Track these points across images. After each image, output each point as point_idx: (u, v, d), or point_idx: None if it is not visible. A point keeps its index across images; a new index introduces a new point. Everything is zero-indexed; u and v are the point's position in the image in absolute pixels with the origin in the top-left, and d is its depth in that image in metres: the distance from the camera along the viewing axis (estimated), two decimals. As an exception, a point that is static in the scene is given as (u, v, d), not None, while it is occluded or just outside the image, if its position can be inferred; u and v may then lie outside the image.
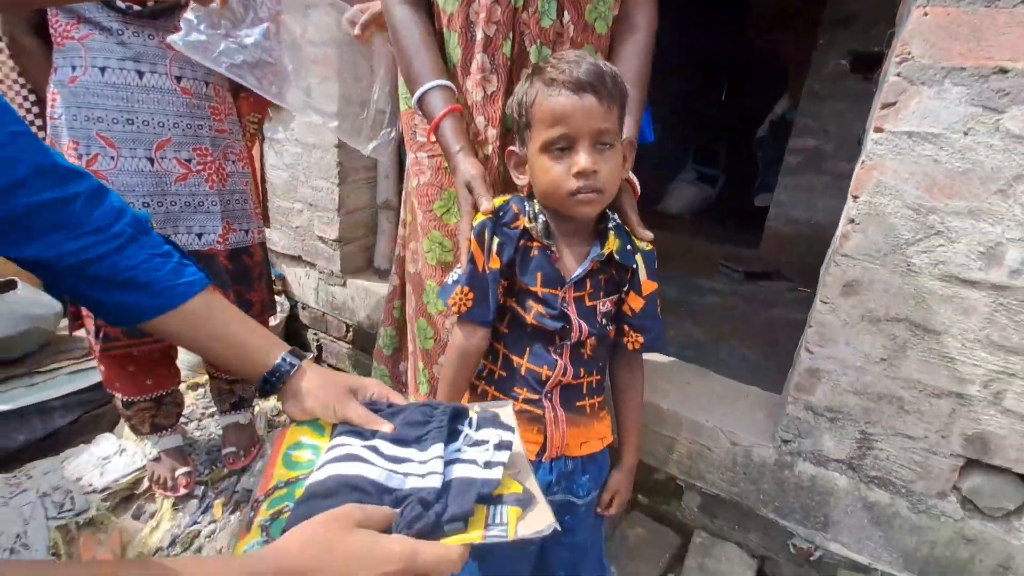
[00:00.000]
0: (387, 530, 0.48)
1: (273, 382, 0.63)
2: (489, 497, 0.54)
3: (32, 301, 1.86)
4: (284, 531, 0.46)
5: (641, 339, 0.89)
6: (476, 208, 0.87)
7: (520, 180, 0.86)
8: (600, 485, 0.97)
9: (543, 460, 0.90)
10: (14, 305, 1.80)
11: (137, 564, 0.36)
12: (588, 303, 0.84)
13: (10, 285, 1.84)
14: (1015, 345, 1.02)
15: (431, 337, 1.17)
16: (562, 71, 0.74)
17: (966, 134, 0.99)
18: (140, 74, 1.26)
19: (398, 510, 0.50)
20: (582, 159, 0.74)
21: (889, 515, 1.19)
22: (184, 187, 1.36)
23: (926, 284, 1.07)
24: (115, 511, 1.53)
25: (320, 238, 2.12)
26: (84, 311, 1.41)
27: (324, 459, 0.57)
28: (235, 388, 1.74)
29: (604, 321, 0.87)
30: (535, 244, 0.82)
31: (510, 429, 0.62)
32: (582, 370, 0.88)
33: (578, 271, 0.82)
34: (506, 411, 0.67)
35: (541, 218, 0.83)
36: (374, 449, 0.58)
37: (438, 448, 0.57)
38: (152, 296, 0.55)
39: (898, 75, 1.01)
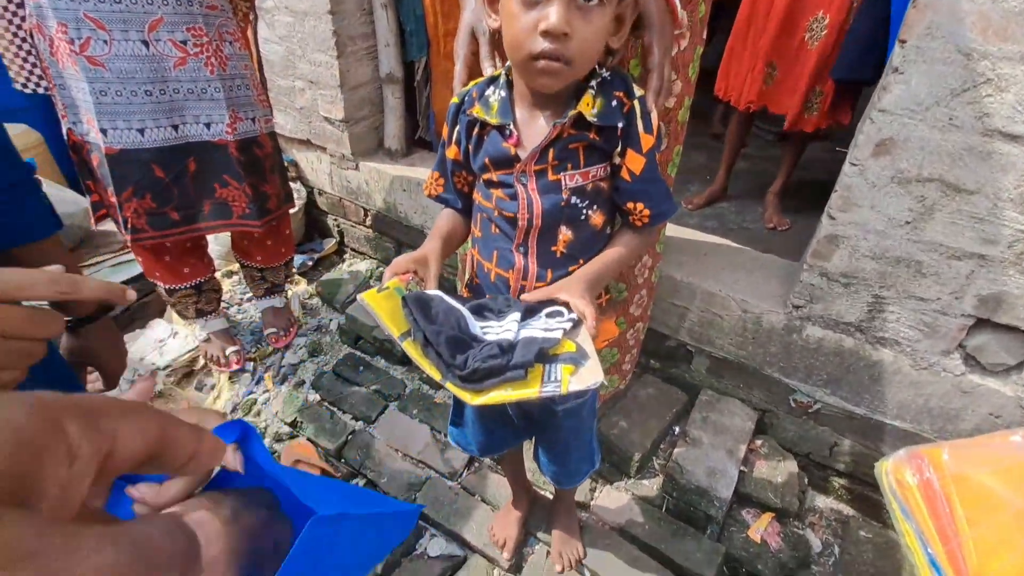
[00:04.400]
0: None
1: None
2: (546, 355, 0.59)
3: (58, 199, 1.91)
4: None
5: (647, 210, 0.73)
6: (475, 57, 0.80)
7: (492, 22, 0.72)
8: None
9: None
10: (44, 203, 1.86)
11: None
12: (552, 177, 0.70)
13: (35, 183, 1.88)
14: (1051, 203, 0.96)
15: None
16: None
17: (1045, -45, 0.84)
18: None
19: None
20: (552, 14, 0.59)
21: (891, 372, 1.24)
22: (184, 72, 1.30)
23: (967, 140, 0.99)
24: (179, 385, 1.73)
25: (326, 119, 2.05)
26: (110, 201, 1.43)
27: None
28: (266, 275, 1.83)
29: (575, 200, 0.72)
30: (489, 126, 0.72)
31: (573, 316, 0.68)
32: (550, 272, 0.76)
33: (539, 141, 0.69)
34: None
35: (502, 93, 0.71)
36: (470, 310, 0.68)
37: (515, 316, 0.66)
38: None
39: None
